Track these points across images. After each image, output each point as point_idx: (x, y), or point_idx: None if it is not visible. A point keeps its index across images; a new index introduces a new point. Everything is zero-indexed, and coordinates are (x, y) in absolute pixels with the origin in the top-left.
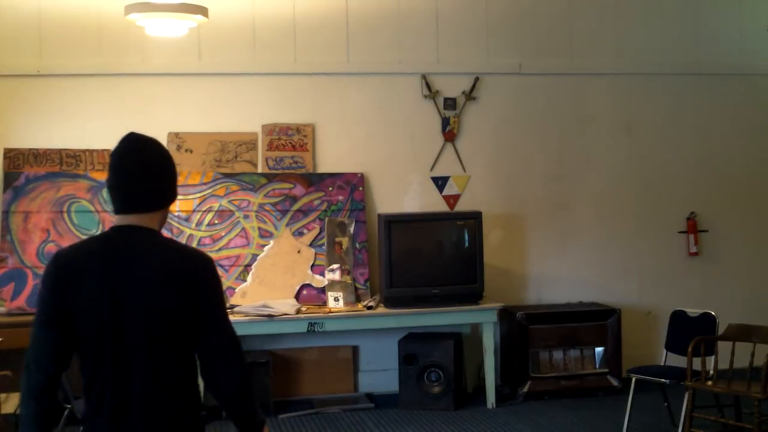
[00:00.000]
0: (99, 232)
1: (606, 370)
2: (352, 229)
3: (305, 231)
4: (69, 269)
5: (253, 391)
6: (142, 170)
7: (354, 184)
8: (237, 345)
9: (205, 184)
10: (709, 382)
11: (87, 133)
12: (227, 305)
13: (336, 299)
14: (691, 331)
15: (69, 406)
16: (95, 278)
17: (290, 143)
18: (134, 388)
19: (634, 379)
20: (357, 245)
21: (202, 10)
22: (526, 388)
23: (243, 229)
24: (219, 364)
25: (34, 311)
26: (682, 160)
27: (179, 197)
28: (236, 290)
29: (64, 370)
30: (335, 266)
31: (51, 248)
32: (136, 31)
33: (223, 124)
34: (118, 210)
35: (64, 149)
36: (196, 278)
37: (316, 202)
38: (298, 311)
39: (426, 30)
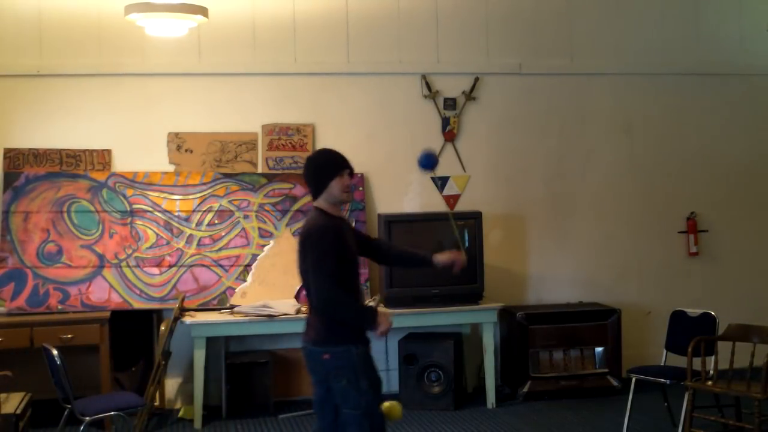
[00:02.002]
0: (99, 232)
1: (606, 370)
2: None
3: None
4: None
5: (338, 306)
6: (304, 175)
7: (354, 184)
8: (321, 285)
9: (205, 184)
10: (709, 382)
11: (87, 133)
12: (325, 263)
13: None
14: (691, 331)
15: (69, 406)
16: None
17: (290, 143)
18: (309, 309)
19: (634, 379)
20: None
21: (202, 10)
22: (526, 388)
23: (243, 229)
24: (309, 295)
25: (34, 311)
26: (682, 159)
27: (179, 197)
28: (236, 290)
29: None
30: None
31: (51, 248)
32: (136, 31)
33: (223, 124)
34: None
35: (64, 149)
36: (305, 243)
37: None
38: (298, 311)
39: (426, 30)
